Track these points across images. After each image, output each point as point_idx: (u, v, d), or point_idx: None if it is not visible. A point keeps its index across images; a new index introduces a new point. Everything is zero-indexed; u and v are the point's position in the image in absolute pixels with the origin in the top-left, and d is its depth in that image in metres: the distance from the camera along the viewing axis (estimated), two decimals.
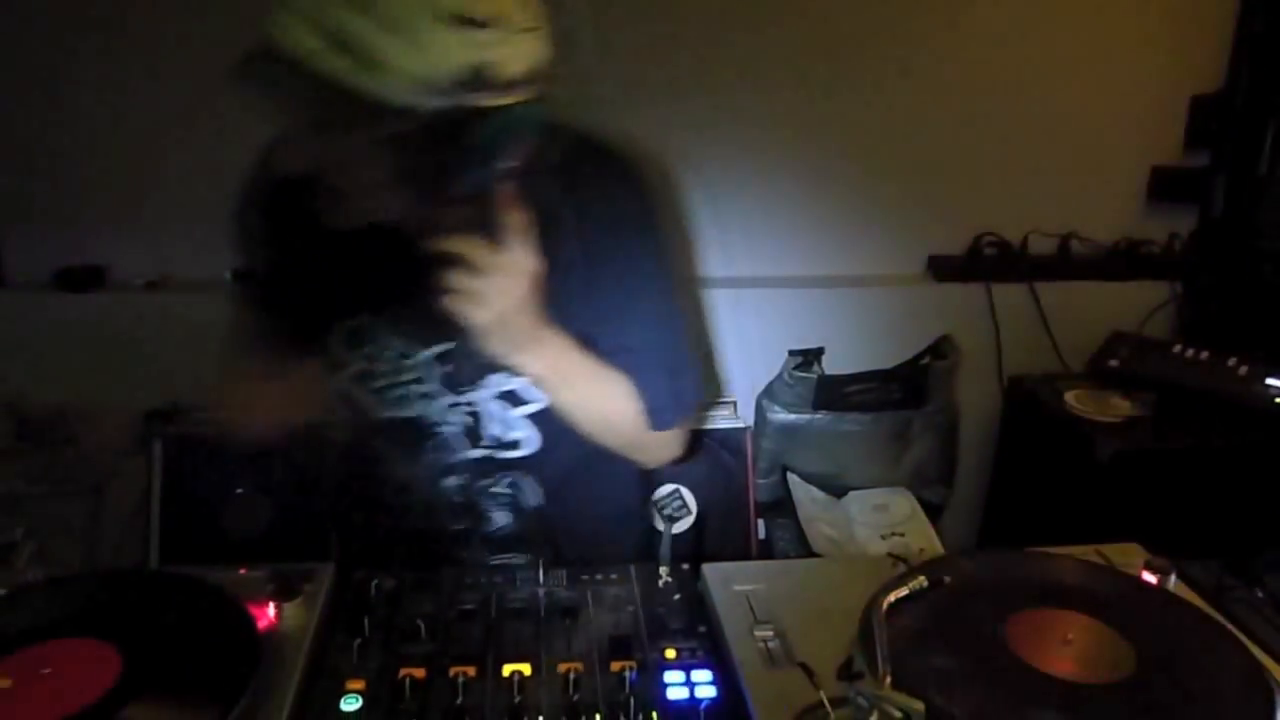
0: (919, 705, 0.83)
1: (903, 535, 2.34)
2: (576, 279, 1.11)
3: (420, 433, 1.25)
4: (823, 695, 0.87)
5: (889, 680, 0.87)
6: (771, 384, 2.47)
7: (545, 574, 1.07)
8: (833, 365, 2.50)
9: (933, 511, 2.45)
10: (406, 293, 1.07)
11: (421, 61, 0.89)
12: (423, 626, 0.98)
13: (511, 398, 1.21)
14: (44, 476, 2.43)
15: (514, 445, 1.24)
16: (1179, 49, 2.51)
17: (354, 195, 1.00)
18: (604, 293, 1.14)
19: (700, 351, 1.28)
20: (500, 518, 1.29)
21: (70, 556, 2.33)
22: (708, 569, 1.10)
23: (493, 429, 1.23)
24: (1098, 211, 2.61)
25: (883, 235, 2.59)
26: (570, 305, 1.10)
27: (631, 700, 0.88)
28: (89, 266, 2.54)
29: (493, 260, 0.97)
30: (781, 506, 2.44)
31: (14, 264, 2.53)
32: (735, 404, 2.50)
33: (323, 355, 1.24)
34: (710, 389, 1.16)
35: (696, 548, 2.36)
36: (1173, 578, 1.07)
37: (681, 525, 2.36)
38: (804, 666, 0.92)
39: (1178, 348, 2.38)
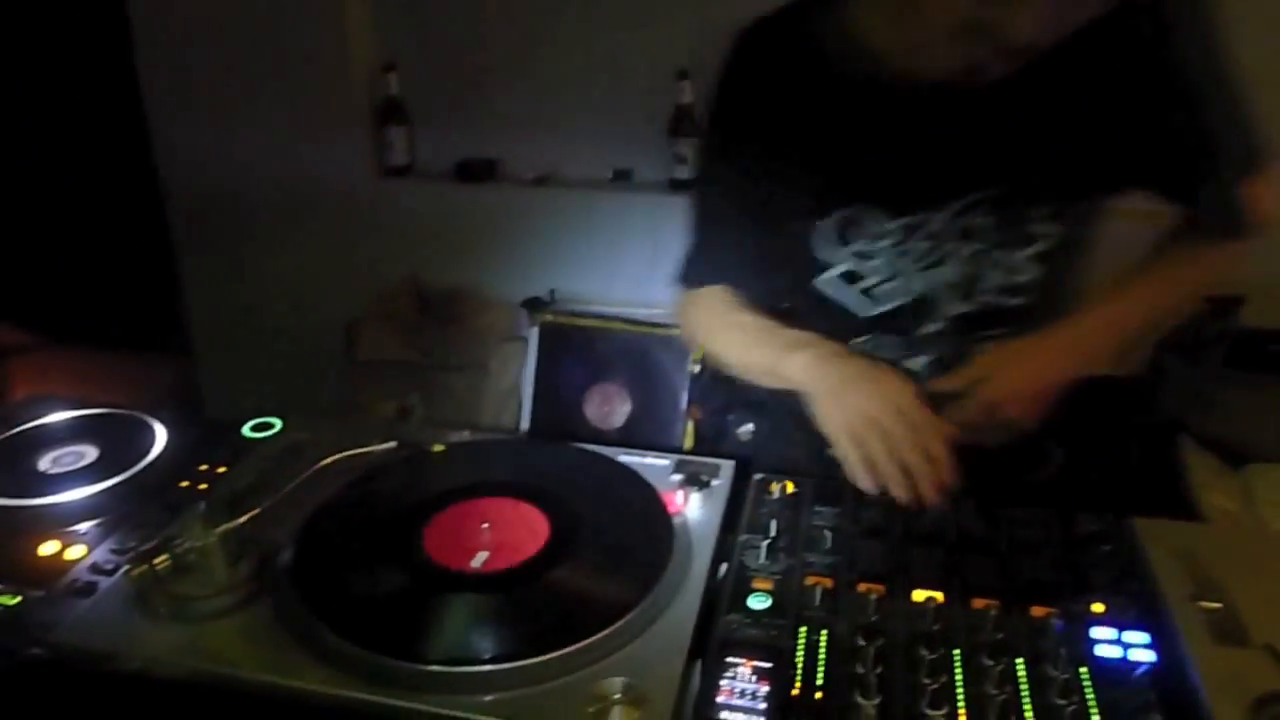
0: None
1: None
2: None
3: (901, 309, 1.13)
4: None
5: None
6: (1174, 334, 2.22)
7: (957, 502, 1.00)
8: (1252, 318, 2.19)
9: None
10: (923, 149, 1.04)
11: None
12: (829, 537, 0.96)
13: (1018, 235, 1.07)
14: (436, 351, 2.67)
15: (1016, 292, 1.10)
16: None
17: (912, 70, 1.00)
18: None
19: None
20: None
21: (453, 425, 2.56)
22: (1141, 524, 0.99)
23: (993, 277, 1.09)
24: None
25: None
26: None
27: (1062, 650, 0.81)
28: (485, 160, 2.73)
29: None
30: (1166, 467, 2.20)
31: (424, 156, 2.77)
32: None
33: (799, 261, 1.14)
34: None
35: (1066, 498, 2.20)
36: None
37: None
38: (1271, 649, 0.81)
39: None
